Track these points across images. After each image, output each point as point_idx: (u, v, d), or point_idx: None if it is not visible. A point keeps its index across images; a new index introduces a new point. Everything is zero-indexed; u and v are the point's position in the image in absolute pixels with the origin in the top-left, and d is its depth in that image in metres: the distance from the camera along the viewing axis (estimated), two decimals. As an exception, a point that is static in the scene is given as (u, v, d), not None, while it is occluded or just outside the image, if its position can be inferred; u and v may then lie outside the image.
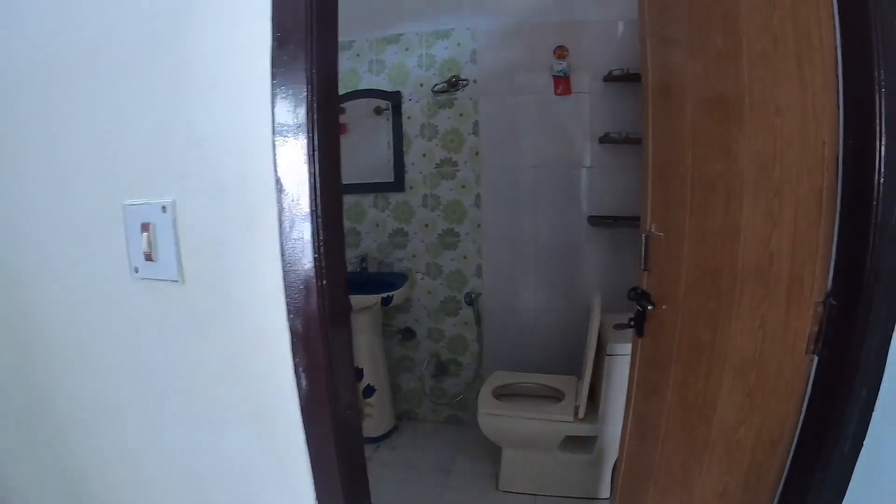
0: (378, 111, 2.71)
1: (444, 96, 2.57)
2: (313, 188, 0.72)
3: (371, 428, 2.70)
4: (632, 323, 1.42)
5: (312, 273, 0.74)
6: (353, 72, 2.70)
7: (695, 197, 1.14)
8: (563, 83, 2.35)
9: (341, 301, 0.80)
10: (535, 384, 2.38)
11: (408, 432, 2.84)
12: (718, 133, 1.04)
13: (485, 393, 2.28)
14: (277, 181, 0.75)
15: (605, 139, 2.34)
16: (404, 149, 2.69)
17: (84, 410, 1.20)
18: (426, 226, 2.74)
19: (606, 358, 2.04)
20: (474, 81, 2.52)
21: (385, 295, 2.51)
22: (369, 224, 2.84)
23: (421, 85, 2.60)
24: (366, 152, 2.74)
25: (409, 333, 2.87)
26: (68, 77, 1.06)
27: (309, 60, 0.71)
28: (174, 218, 0.87)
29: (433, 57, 2.57)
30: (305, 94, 0.71)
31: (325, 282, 0.75)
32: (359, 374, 2.68)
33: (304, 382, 0.79)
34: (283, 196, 0.75)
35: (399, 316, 2.88)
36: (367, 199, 2.82)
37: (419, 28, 2.57)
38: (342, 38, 2.66)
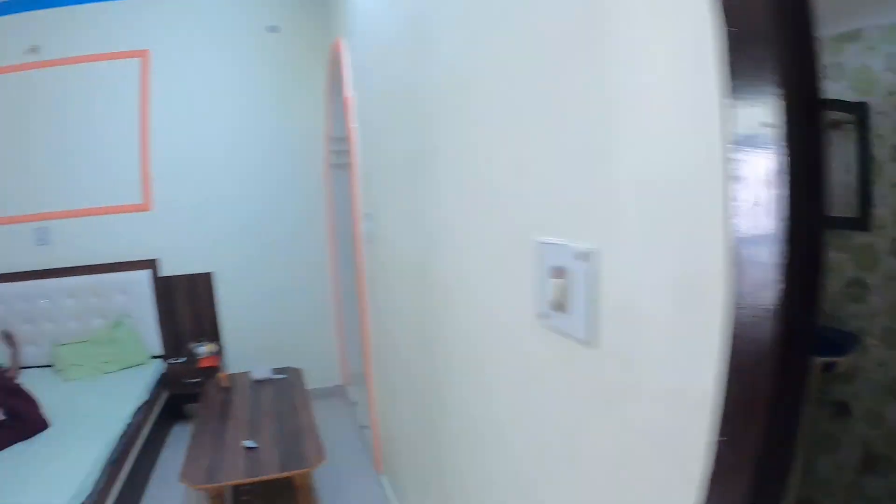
0: (834, 125, 2.15)
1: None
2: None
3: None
4: None
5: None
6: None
7: None
8: None
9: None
10: None
11: (811, 528, 2.27)
12: None
13: None
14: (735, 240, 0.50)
15: None
16: (871, 177, 2.08)
17: (473, 420, 1.29)
18: (894, 280, 2.08)
19: None
20: None
21: (828, 360, 1.97)
22: (819, 265, 2.31)
23: (891, 94, 1.95)
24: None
25: (842, 409, 2.27)
26: (481, 96, 1.06)
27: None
28: (595, 270, 0.69)
29: (905, 57, 1.89)
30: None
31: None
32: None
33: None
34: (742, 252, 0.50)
35: (835, 385, 2.29)
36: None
37: (880, 20, 1.92)
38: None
